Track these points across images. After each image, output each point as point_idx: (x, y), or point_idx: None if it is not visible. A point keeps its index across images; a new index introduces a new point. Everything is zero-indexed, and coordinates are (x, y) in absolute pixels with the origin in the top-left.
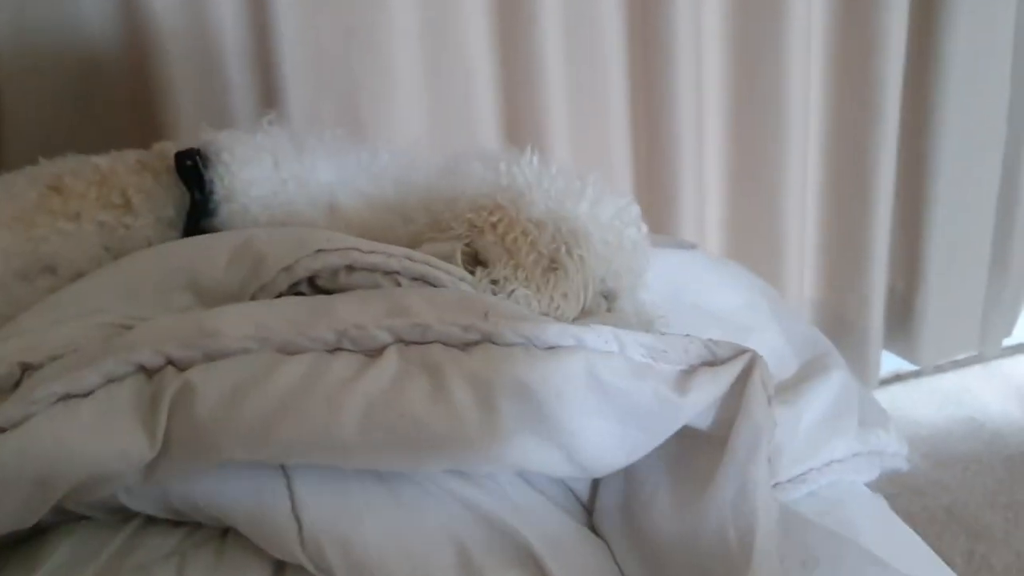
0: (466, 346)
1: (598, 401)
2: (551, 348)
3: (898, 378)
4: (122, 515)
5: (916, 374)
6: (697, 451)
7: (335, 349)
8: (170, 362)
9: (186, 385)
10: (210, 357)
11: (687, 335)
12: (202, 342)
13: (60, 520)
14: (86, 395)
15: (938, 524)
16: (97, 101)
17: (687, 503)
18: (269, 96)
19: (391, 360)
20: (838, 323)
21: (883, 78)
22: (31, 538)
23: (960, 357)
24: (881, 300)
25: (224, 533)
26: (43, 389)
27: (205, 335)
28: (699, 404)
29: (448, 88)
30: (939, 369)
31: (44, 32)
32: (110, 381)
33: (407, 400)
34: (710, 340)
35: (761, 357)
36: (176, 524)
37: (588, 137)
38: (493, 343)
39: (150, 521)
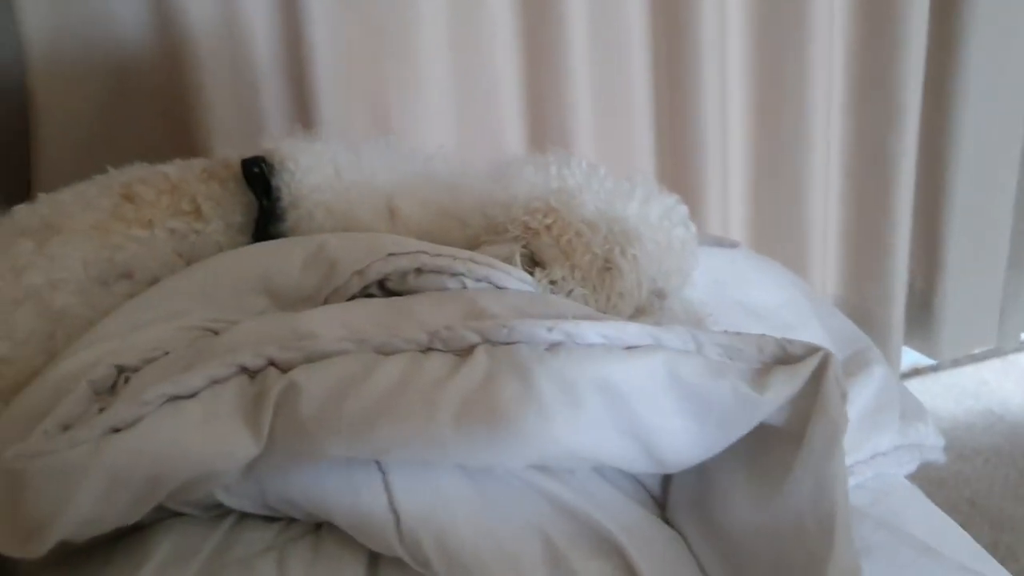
0: (551, 346)
1: (678, 399)
2: (631, 348)
3: (916, 372)
4: (217, 512)
5: (934, 368)
6: (772, 447)
7: (427, 349)
8: (271, 363)
9: (291, 385)
10: (310, 358)
11: (762, 334)
12: (301, 344)
13: (158, 517)
14: (191, 396)
15: (961, 515)
16: (130, 107)
17: (764, 497)
18: (300, 102)
19: (481, 360)
20: (860, 319)
21: (904, 77)
22: (130, 534)
23: (977, 351)
24: (902, 296)
25: (317, 528)
26: (152, 391)
27: (302, 337)
28: (776, 401)
29: (475, 92)
30: (956, 363)
31: (79, 39)
32: (214, 383)
33: (498, 397)
34: (784, 339)
35: (834, 355)
36: (269, 520)
37: (613, 138)
38: (575, 343)
39: (245, 517)
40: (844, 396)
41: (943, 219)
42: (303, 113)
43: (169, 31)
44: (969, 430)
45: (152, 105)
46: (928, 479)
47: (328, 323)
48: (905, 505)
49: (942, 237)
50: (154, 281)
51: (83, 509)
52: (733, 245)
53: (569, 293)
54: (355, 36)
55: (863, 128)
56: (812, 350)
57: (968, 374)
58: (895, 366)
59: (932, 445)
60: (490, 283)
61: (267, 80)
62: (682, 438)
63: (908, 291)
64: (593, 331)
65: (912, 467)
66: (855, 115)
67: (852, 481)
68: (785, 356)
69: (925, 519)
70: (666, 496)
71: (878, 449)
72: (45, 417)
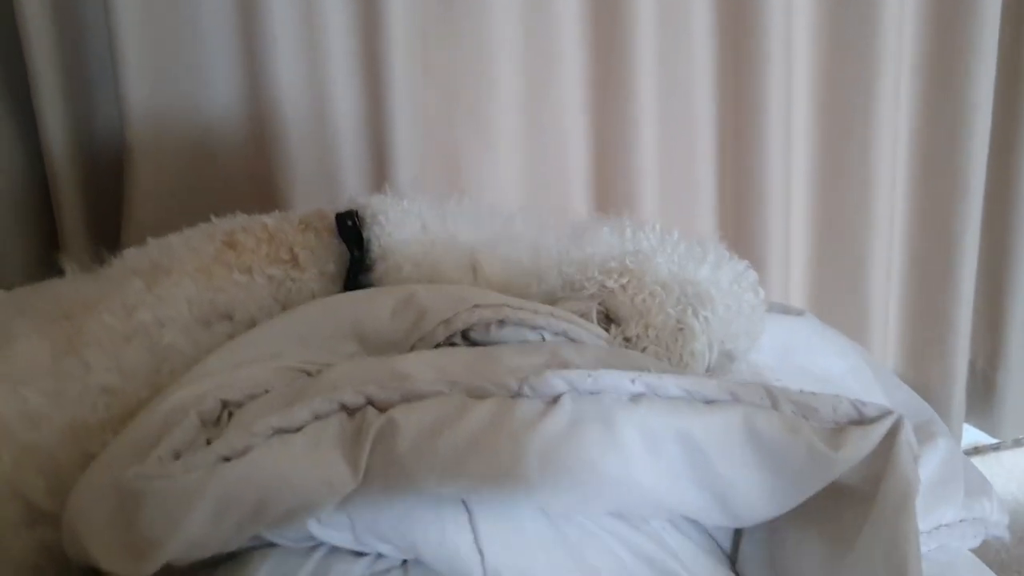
0: (634, 397)
1: (754, 453)
2: (711, 402)
3: (977, 451)
4: (309, 543)
5: (995, 447)
6: (844, 505)
7: (516, 395)
8: (370, 402)
9: (390, 421)
10: (407, 398)
11: (836, 395)
12: (399, 385)
13: (254, 546)
14: (296, 430)
15: None
16: (218, 166)
17: (836, 554)
18: (378, 163)
19: (567, 407)
20: (920, 395)
21: (969, 154)
22: (227, 561)
23: None
24: (963, 374)
25: (403, 563)
26: (262, 424)
27: (399, 378)
28: (850, 460)
29: (545, 157)
30: (1018, 443)
31: (176, 104)
32: (317, 418)
33: (582, 443)
34: (857, 400)
35: (906, 418)
36: (358, 555)
37: (675, 205)
38: (657, 395)
39: (335, 550)
40: (916, 458)
41: (1006, 298)
42: (380, 174)
43: (259, 96)
44: None
45: (238, 164)
46: (988, 562)
47: (422, 367)
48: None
49: (1005, 315)
50: (252, 323)
51: (193, 531)
52: (799, 313)
53: (643, 351)
54: (432, 102)
55: (927, 204)
56: (885, 412)
57: None
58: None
59: (996, 521)
60: (568, 337)
61: (347, 142)
62: (756, 492)
63: (969, 369)
64: (674, 384)
65: (976, 542)
66: (919, 191)
67: None
68: (859, 417)
69: None
70: (736, 552)
71: (942, 521)
72: (154, 444)
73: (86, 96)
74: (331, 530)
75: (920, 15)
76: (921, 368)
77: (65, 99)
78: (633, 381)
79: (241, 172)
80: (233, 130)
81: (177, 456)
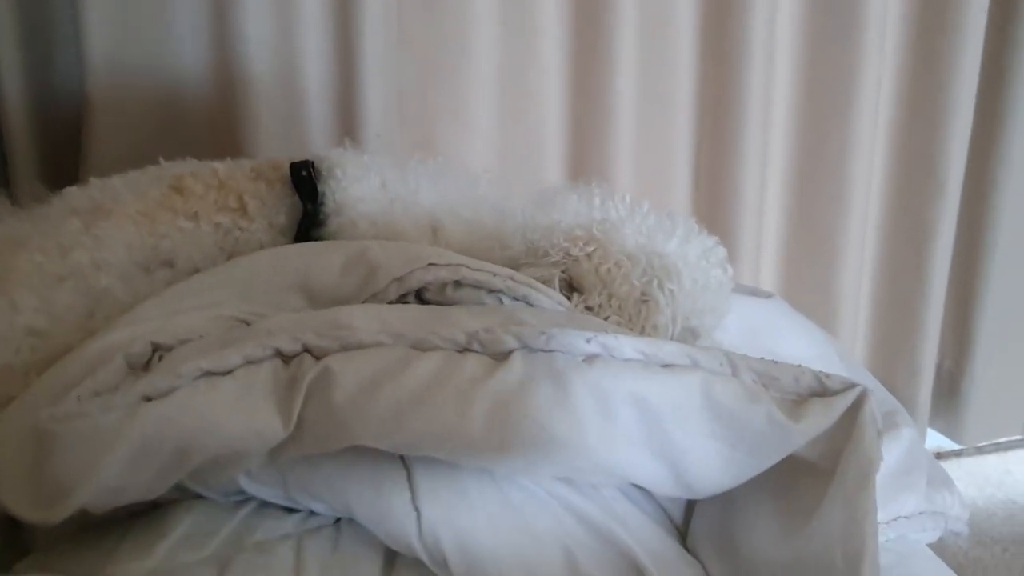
0: (588, 357)
1: (711, 421)
2: (668, 366)
3: (939, 456)
4: (238, 498)
5: (957, 453)
6: (802, 480)
7: (464, 350)
8: (306, 350)
9: (325, 371)
10: (346, 348)
11: (798, 365)
12: (338, 333)
13: (179, 498)
14: (226, 374)
15: None
16: (181, 125)
17: (792, 530)
18: (349, 130)
19: (517, 364)
20: None
21: (947, 155)
22: (149, 512)
23: (1002, 440)
24: (929, 376)
25: (336, 523)
26: (189, 365)
27: (339, 327)
28: (809, 432)
29: (520, 130)
30: (980, 450)
31: (140, 58)
32: (249, 363)
33: (532, 403)
34: (821, 372)
35: (871, 392)
36: (289, 511)
37: (650, 185)
38: (613, 356)
39: (265, 505)
40: (880, 433)
41: (977, 302)
42: (349, 138)
43: (226, 54)
44: (990, 519)
45: (202, 123)
46: (946, 563)
47: (366, 317)
48: (926, 570)
49: (975, 320)
50: (194, 272)
51: (109, 475)
52: (768, 296)
53: (605, 320)
54: (407, 70)
55: (903, 202)
56: (849, 385)
57: (991, 463)
58: None
59: (956, 516)
60: (527, 302)
61: (315, 104)
62: (712, 462)
63: (936, 372)
64: (631, 346)
65: (935, 536)
66: (896, 188)
67: None
68: (821, 389)
69: None
70: (687, 525)
71: (901, 512)
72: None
73: (46, 47)
74: (261, 485)
75: (904, 11)
76: (888, 366)
77: (24, 49)
78: (588, 341)
79: (205, 131)
80: (198, 88)
81: (97, 397)
